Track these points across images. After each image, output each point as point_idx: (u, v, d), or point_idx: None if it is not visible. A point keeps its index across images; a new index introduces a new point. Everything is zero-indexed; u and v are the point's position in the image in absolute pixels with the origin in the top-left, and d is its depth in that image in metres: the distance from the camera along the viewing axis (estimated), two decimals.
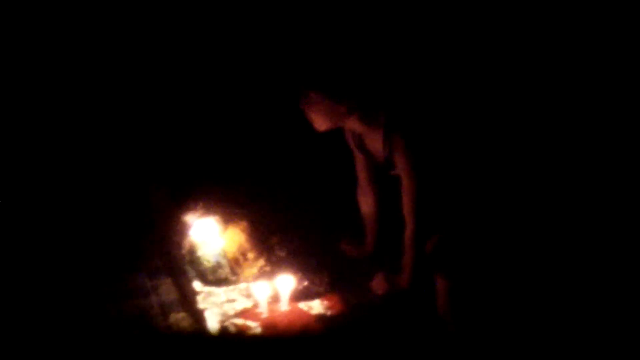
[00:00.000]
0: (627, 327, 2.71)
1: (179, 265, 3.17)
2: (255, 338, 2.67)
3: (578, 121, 3.39)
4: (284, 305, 2.94)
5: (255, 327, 2.79)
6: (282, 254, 3.34)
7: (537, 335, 2.71)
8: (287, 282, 2.98)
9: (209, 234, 3.21)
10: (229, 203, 3.43)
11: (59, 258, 3.19)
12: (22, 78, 3.58)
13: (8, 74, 3.53)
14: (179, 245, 3.21)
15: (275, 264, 3.23)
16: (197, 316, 2.91)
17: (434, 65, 3.49)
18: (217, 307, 2.96)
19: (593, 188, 3.27)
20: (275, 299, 2.98)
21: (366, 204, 3.42)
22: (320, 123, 3.01)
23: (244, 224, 3.33)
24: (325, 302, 3.03)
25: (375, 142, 3.06)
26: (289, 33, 3.65)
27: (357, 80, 3.02)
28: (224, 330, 2.70)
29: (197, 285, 3.10)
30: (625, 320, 2.74)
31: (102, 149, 3.64)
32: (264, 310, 2.89)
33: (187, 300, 3.02)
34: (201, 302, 2.98)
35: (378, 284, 3.17)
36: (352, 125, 3.06)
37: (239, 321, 2.82)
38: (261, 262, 3.22)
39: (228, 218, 3.34)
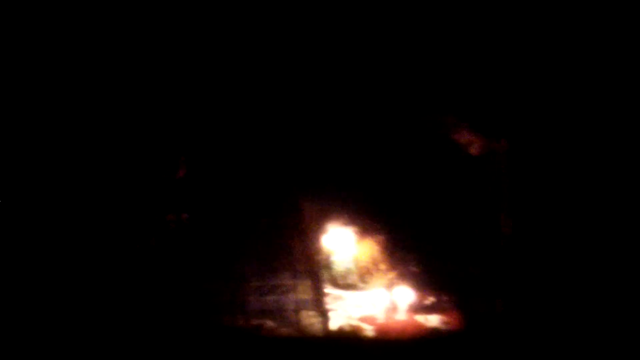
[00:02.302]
0: None
1: (316, 270, 3.49)
2: (364, 340, 2.86)
3: None
4: (401, 315, 3.08)
5: (368, 330, 2.98)
6: (416, 269, 3.47)
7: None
8: (405, 294, 3.13)
9: (344, 243, 3.49)
10: (370, 216, 3.65)
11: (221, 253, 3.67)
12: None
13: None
14: (318, 251, 3.53)
15: (407, 278, 3.37)
16: (324, 315, 3.18)
17: None
18: (343, 309, 3.21)
19: None
20: (395, 308, 3.14)
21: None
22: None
23: (380, 237, 3.54)
24: (444, 318, 3.10)
25: None
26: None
27: None
28: (339, 330, 2.93)
29: (328, 288, 3.37)
30: None
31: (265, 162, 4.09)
32: (381, 316, 3.07)
33: (319, 300, 3.32)
34: (331, 303, 3.25)
35: None
36: None
37: (355, 323, 3.02)
38: (392, 274, 3.39)
39: (367, 229, 3.58)
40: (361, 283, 3.46)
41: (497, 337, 2.98)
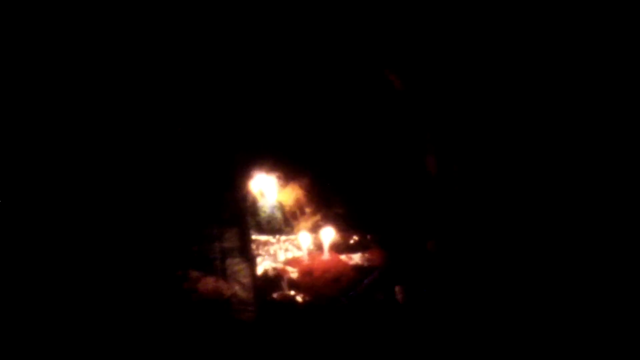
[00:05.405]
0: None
1: (242, 216, 3.47)
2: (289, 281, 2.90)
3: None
4: (325, 255, 3.12)
5: (292, 272, 3.01)
6: (340, 211, 3.49)
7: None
8: (328, 234, 3.16)
9: (269, 188, 3.48)
10: (294, 160, 3.64)
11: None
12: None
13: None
14: (244, 198, 3.51)
15: (332, 219, 3.40)
16: (250, 261, 3.18)
17: None
18: (269, 254, 3.21)
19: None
20: (320, 249, 3.17)
21: None
22: None
23: (305, 180, 3.55)
24: (367, 255, 3.17)
25: None
26: None
27: None
28: (263, 274, 2.94)
29: (255, 234, 3.37)
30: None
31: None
32: (305, 258, 3.10)
33: (245, 247, 3.31)
34: (257, 250, 3.25)
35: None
36: None
37: (280, 266, 3.04)
38: (317, 217, 3.42)
39: (291, 174, 3.57)
40: (287, 227, 3.48)
41: (421, 274, 3.05)
